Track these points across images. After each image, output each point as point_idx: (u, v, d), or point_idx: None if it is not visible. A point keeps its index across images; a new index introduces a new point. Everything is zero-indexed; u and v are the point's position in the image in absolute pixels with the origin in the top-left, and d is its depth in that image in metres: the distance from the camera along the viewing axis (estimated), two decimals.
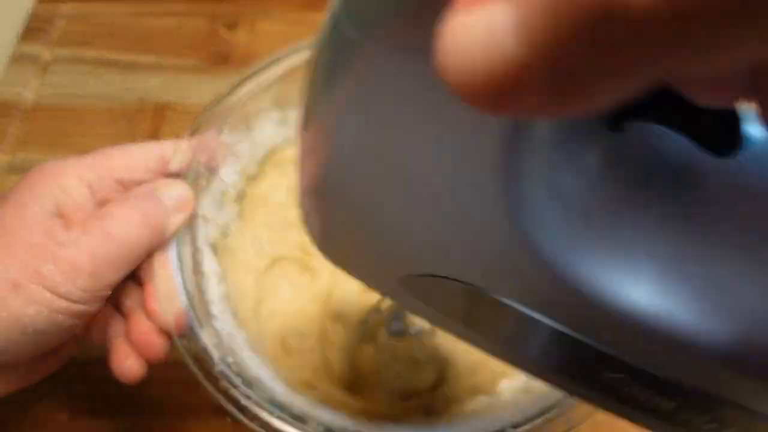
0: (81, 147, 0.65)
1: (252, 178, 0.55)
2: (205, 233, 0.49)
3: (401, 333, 0.48)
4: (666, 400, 0.22)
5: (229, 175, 0.51)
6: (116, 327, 0.43)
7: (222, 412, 0.47)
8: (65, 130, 0.67)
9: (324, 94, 0.21)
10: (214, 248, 0.50)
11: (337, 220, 0.25)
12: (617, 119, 0.20)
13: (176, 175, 0.45)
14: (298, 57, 0.51)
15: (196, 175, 0.47)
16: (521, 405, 0.43)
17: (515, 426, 0.40)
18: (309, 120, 0.22)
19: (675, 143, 0.20)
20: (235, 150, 0.51)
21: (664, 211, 0.20)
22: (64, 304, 0.38)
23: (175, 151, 0.46)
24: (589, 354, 0.22)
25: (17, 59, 0.71)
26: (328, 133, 0.22)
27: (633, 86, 0.12)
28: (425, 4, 0.15)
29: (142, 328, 0.41)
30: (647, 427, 0.25)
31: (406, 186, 0.21)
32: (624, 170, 0.21)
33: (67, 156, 0.64)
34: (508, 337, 0.24)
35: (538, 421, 0.39)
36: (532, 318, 0.22)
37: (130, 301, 0.43)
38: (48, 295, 0.37)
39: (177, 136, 0.65)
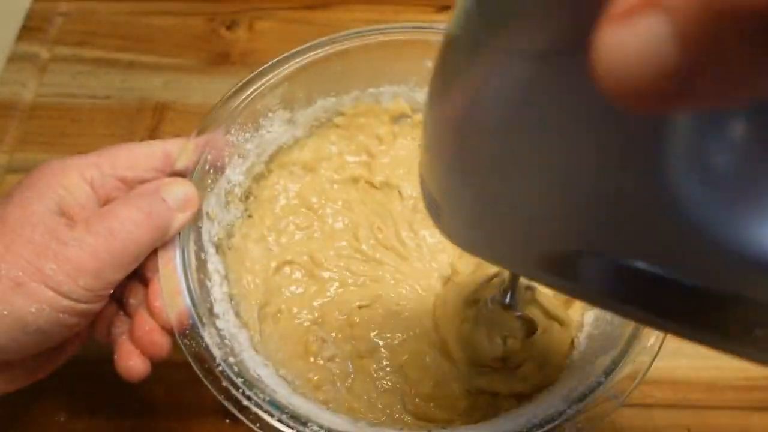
0: (80, 147, 0.65)
1: (258, 178, 0.54)
2: (210, 232, 0.48)
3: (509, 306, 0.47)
4: None
5: (235, 174, 0.51)
6: (120, 325, 0.43)
7: (221, 413, 0.47)
8: (64, 129, 0.67)
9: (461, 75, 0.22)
10: (219, 248, 0.49)
11: (477, 197, 0.26)
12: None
13: (181, 174, 0.45)
14: (305, 57, 0.51)
15: (202, 174, 0.47)
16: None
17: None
18: (446, 95, 0.23)
19: None
20: (241, 149, 0.51)
21: None
22: (66, 302, 0.37)
23: (180, 149, 0.46)
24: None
25: (15, 58, 0.71)
26: (472, 119, 0.23)
27: None
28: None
29: (146, 326, 0.41)
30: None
31: (551, 166, 0.22)
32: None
33: (65, 155, 0.64)
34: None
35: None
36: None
37: (134, 300, 0.43)
38: (50, 293, 0.37)
39: (177, 135, 0.66)
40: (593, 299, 0.27)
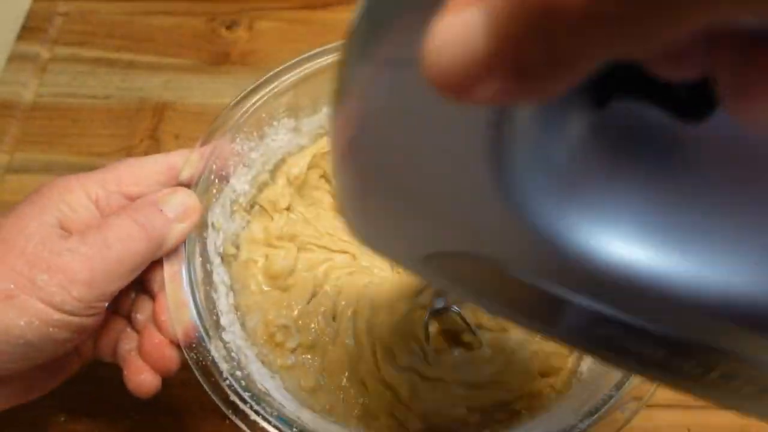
0: (80, 146, 0.65)
1: (263, 187, 0.54)
2: (216, 243, 0.48)
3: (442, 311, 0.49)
4: (657, 349, 0.24)
5: (240, 183, 0.51)
6: (129, 342, 0.43)
7: (221, 413, 0.48)
8: (64, 129, 0.67)
9: (354, 78, 0.23)
10: (225, 259, 0.49)
11: (366, 201, 0.27)
12: (600, 97, 0.22)
13: (186, 185, 0.45)
14: (310, 65, 0.51)
15: (207, 184, 0.47)
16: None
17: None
18: (345, 91, 0.24)
19: (654, 116, 0.22)
20: (246, 158, 0.51)
21: (648, 176, 0.22)
22: (57, 315, 0.37)
23: (184, 161, 0.45)
24: (588, 315, 0.24)
25: (15, 58, 0.71)
26: (356, 116, 0.24)
27: (583, 70, 0.14)
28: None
29: (154, 341, 0.41)
30: (632, 370, 0.27)
31: (413, 166, 0.23)
32: (608, 141, 0.23)
33: (66, 156, 0.64)
34: (527, 309, 0.26)
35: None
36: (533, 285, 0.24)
37: (141, 315, 0.43)
38: (41, 306, 0.37)
39: (177, 135, 0.66)
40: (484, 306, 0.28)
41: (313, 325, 0.51)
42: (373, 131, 0.24)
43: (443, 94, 0.15)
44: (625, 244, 0.22)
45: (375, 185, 0.26)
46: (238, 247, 0.52)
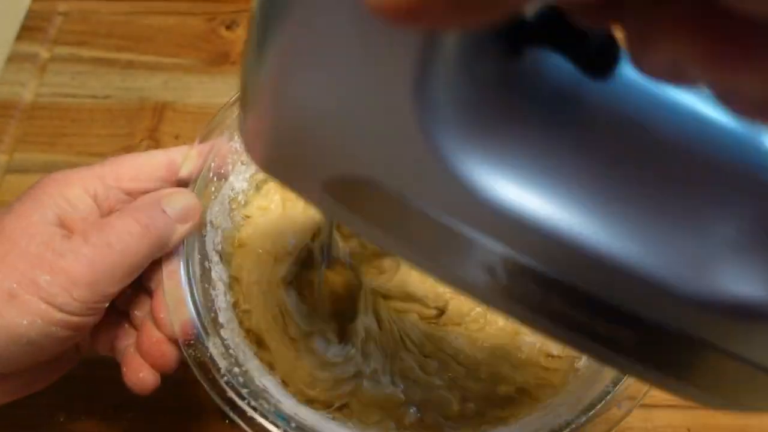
0: (80, 147, 0.65)
1: (261, 185, 0.54)
2: (214, 241, 0.48)
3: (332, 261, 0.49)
4: (570, 307, 0.26)
5: (238, 181, 0.51)
6: (126, 338, 0.43)
7: (221, 413, 0.48)
8: (64, 129, 0.67)
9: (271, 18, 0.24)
10: (223, 256, 0.49)
11: (273, 123, 0.27)
12: (516, 44, 0.24)
13: (185, 182, 0.45)
14: None
15: (206, 182, 0.47)
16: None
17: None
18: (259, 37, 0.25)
19: (565, 69, 0.24)
20: (244, 156, 0.51)
21: (546, 126, 0.24)
22: (59, 315, 0.37)
23: (184, 158, 0.45)
24: (499, 261, 0.25)
25: (15, 58, 0.71)
26: (273, 51, 0.24)
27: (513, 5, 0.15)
28: None
29: (153, 338, 0.41)
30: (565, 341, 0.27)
31: (330, 91, 0.24)
32: (522, 87, 0.24)
33: (66, 156, 0.65)
34: (428, 246, 0.27)
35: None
36: (443, 224, 0.25)
37: (139, 312, 0.43)
38: (43, 306, 0.37)
39: (176, 135, 0.66)
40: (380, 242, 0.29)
41: None
42: (294, 46, 0.24)
43: (380, 16, 0.16)
44: (516, 186, 0.24)
45: (288, 105, 0.26)
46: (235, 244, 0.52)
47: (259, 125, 0.28)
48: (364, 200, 0.27)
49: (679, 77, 0.19)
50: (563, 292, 0.25)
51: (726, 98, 0.19)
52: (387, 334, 0.49)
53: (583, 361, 0.48)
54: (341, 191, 0.27)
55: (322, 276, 0.50)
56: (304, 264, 0.51)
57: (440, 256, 0.27)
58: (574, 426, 0.40)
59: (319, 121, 0.25)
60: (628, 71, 0.25)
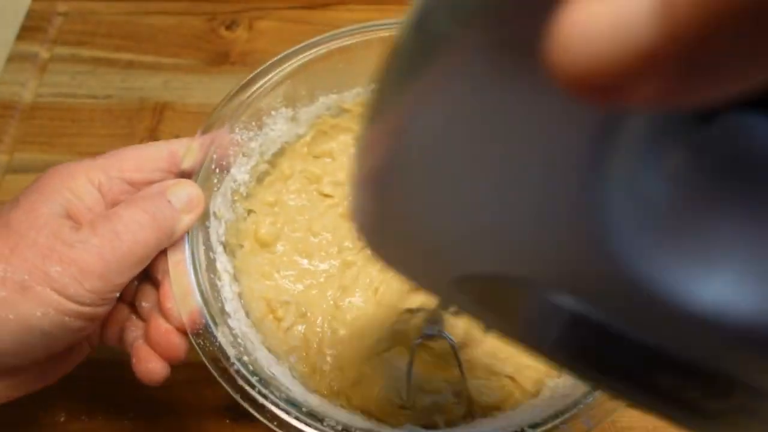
0: (80, 146, 0.65)
1: (262, 177, 0.54)
2: (218, 232, 0.48)
3: (434, 335, 0.47)
4: (713, 396, 0.22)
5: (240, 173, 0.51)
6: (134, 330, 0.43)
7: (222, 413, 0.47)
8: (64, 129, 0.67)
9: (403, 85, 0.20)
10: (227, 247, 0.49)
11: (399, 212, 0.24)
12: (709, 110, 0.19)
13: (188, 174, 0.45)
14: (307, 54, 0.51)
15: (208, 174, 0.47)
16: (538, 406, 0.43)
17: (533, 426, 0.40)
18: (382, 109, 0.22)
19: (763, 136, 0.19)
20: (246, 148, 0.51)
21: (749, 210, 0.19)
22: (71, 306, 0.37)
23: (186, 149, 0.45)
24: (649, 358, 0.22)
25: (15, 58, 0.71)
26: (403, 124, 0.21)
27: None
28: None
29: (161, 329, 0.41)
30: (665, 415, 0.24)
31: (477, 180, 0.21)
32: (710, 167, 0.19)
33: (66, 156, 0.64)
34: (563, 342, 0.24)
35: (557, 421, 0.40)
36: (596, 321, 0.21)
37: (147, 303, 0.43)
38: (55, 297, 0.37)
39: (176, 135, 0.66)
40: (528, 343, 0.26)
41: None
42: (418, 150, 0.21)
43: (576, 93, 0.13)
44: (721, 291, 0.19)
45: (424, 193, 0.23)
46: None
47: (385, 201, 0.25)
48: (505, 298, 0.24)
49: None
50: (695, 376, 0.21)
51: None
52: None
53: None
54: (470, 287, 0.24)
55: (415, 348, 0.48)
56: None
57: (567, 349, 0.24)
58: (567, 416, 0.39)
59: (473, 201, 0.22)
60: None
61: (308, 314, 0.50)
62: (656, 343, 0.21)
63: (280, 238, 0.54)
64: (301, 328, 0.50)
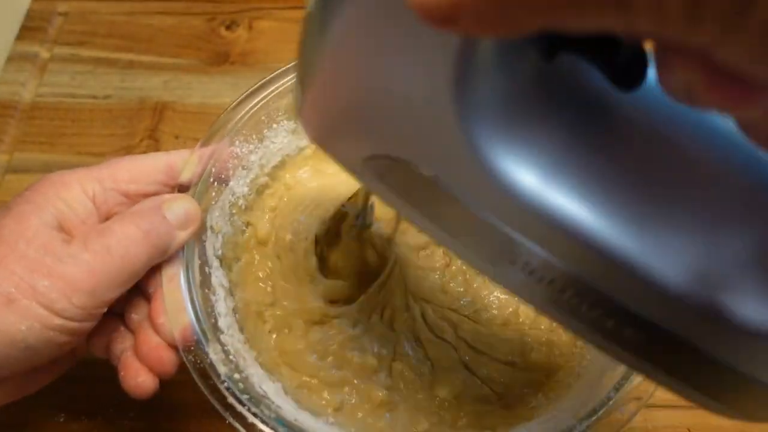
0: (80, 147, 0.65)
1: (262, 190, 0.54)
2: (214, 246, 0.48)
3: (365, 226, 0.49)
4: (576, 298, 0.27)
5: (239, 186, 0.51)
6: (122, 341, 0.43)
7: (221, 414, 0.48)
8: (63, 129, 0.67)
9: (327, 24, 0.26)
10: (223, 261, 0.49)
11: (328, 99, 0.29)
12: (551, 48, 0.25)
13: (185, 187, 0.45)
14: None
15: (206, 187, 0.47)
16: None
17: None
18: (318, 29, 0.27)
19: (594, 78, 0.26)
20: (245, 161, 0.51)
21: (571, 127, 0.26)
22: (57, 321, 0.37)
23: (184, 162, 0.45)
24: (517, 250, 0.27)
25: (15, 58, 0.71)
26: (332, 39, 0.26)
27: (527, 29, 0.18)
28: None
29: (151, 343, 0.41)
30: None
31: (380, 76, 0.26)
32: (553, 89, 0.26)
33: (66, 156, 0.64)
34: (458, 231, 0.29)
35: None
36: (471, 211, 0.27)
37: (137, 316, 0.43)
38: (42, 311, 0.36)
39: (176, 135, 0.66)
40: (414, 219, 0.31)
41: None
42: (348, 39, 0.26)
43: (420, 18, 0.18)
44: (540, 179, 0.25)
45: (340, 87, 0.28)
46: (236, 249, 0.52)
47: (316, 100, 0.30)
48: (400, 179, 0.29)
49: (693, 101, 0.20)
50: (583, 291, 0.27)
51: (744, 128, 0.21)
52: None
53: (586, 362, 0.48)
54: (381, 168, 0.29)
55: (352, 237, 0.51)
56: (334, 228, 0.52)
57: (468, 241, 0.29)
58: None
59: (369, 101, 0.27)
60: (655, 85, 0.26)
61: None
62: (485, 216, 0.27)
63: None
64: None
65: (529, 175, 0.25)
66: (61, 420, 0.52)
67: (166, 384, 0.42)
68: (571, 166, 0.26)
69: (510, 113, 0.26)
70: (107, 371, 0.43)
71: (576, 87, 0.26)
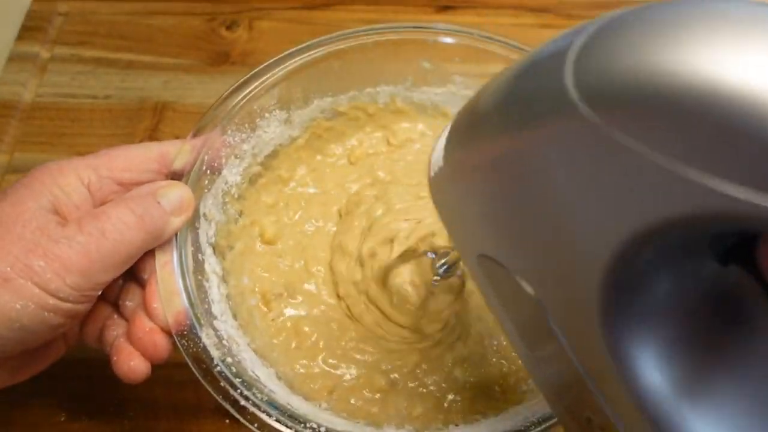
0: (80, 146, 0.65)
1: (255, 179, 0.54)
2: (207, 233, 0.48)
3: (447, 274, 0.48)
4: None
5: (231, 175, 0.51)
6: (115, 328, 0.43)
7: (221, 413, 0.47)
8: (64, 129, 0.67)
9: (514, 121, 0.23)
10: (216, 248, 0.49)
11: (468, 197, 0.28)
12: (725, 256, 0.21)
13: (179, 175, 0.45)
14: (302, 57, 0.51)
15: (199, 175, 0.47)
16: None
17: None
18: (487, 128, 0.25)
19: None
20: (238, 150, 0.51)
21: (744, 356, 0.22)
22: (52, 301, 0.37)
23: (178, 151, 0.46)
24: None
25: (15, 58, 0.71)
26: (506, 152, 0.24)
27: None
28: None
29: (145, 327, 0.41)
30: None
31: (528, 202, 0.24)
32: (712, 301, 0.22)
33: (66, 156, 0.64)
34: (543, 359, 0.27)
35: None
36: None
37: (131, 302, 0.43)
38: (36, 290, 0.37)
39: (176, 135, 0.66)
40: None
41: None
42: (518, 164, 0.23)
43: None
44: (665, 383, 0.22)
45: (486, 192, 0.26)
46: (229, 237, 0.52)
47: (465, 183, 0.28)
48: (506, 289, 0.27)
49: None
50: None
51: None
52: None
53: None
54: (493, 268, 0.27)
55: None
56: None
57: (547, 371, 0.27)
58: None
59: (520, 219, 0.25)
60: None
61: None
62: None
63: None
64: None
65: (655, 376, 0.22)
66: (62, 420, 0.52)
67: (166, 383, 0.42)
68: (713, 389, 0.22)
69: (660, 323, 0.22)
70: (107, 371, 0.42)
71: (739, 303, 0.22)
